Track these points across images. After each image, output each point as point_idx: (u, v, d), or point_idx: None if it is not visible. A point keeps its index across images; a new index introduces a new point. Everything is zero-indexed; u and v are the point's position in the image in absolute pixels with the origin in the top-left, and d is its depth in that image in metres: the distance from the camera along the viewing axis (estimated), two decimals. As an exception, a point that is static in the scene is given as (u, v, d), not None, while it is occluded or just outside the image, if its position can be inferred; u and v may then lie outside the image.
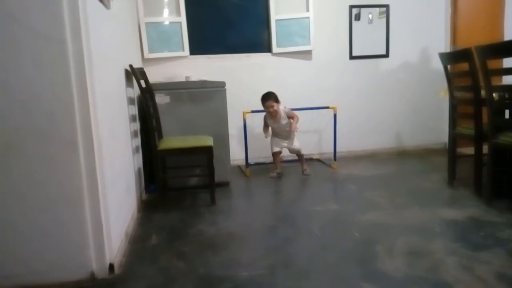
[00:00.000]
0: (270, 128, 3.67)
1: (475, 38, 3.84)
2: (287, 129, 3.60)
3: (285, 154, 3.80)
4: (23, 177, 1.71)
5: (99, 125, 1.83)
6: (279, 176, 3.65)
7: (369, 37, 4.32)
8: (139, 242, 2.31)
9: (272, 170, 3.72)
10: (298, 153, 3.73)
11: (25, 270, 1.78)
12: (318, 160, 4.24)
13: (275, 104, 3.51)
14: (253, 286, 1.77)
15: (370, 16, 4.29)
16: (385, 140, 4.52)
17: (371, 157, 4.34)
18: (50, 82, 1.67)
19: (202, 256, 2.08)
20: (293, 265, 1.96)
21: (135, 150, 2.92)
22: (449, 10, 4.36)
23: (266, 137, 3.66)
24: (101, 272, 1.85)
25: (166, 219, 2.66)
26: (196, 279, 1.85)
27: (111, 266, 1.88)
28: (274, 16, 4.04)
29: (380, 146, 4.50)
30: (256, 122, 3.99)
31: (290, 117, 3.59)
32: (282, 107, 3.59)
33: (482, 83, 2.58)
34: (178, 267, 1.97)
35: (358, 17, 4.26)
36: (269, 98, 3.51)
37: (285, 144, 3.66)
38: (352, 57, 4.33)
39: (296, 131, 3.58)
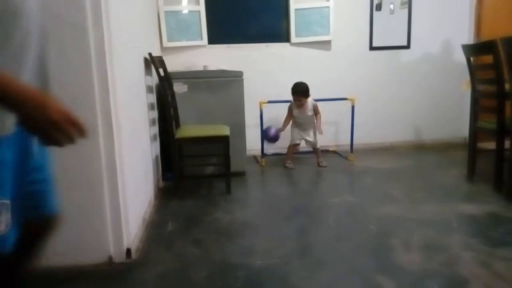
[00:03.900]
0: (290, 120, 3.68)
1: (499, 30, 3.70)
2: (310, 121, 3.64)
3: (302, 145, 3.79)
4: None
5: (119, 112, 1.85)
6: (292, 168, 3.65)
7: (390, 28, 4.24)
8: (155, 228, 2.35)
9: (284, 161, 3.72)
10: (314, 146, 3.72)
11: (45, 251, 1.83)
12: (335, 152, 4.21)
13: (303, 99, 3.54)
14: (267, 275, 1.79)
15: (391, 6, 4.20)
16: (403, 133, 4.45)
17: (389, 150, 4.28)
18: (72, 68, 1.69)
19: (217, 244, 2.11)
20: (308, 256, 1.96)
21: (153, 138, 2.95)
22: (474, 0, 4.24)
23: (282, 129, 3.65)
24: (118, 256, 1.89)
25: (182, 207, 2.69)
26: (211, 265, 1.87)
27: (128, 251, 1.92)
28: (293, 5, 4.00)
29: (398, 139, 4.44)
30: (273, 113, 3.99)
31: (315, 111, 3.63)
32: (310, 99, 3.61)
33: (506, 76, 2.52)
34: (194, 254, 2.00)
35: (379, 7, 4.18)
36: (300, 92, 3.53)
37: (305, 137, 3.66)
38: (372, 48, 4.26)
39: (321, 133, 3.62)
